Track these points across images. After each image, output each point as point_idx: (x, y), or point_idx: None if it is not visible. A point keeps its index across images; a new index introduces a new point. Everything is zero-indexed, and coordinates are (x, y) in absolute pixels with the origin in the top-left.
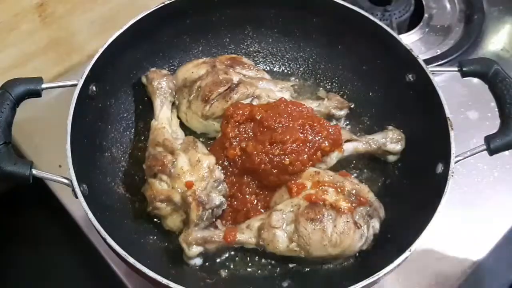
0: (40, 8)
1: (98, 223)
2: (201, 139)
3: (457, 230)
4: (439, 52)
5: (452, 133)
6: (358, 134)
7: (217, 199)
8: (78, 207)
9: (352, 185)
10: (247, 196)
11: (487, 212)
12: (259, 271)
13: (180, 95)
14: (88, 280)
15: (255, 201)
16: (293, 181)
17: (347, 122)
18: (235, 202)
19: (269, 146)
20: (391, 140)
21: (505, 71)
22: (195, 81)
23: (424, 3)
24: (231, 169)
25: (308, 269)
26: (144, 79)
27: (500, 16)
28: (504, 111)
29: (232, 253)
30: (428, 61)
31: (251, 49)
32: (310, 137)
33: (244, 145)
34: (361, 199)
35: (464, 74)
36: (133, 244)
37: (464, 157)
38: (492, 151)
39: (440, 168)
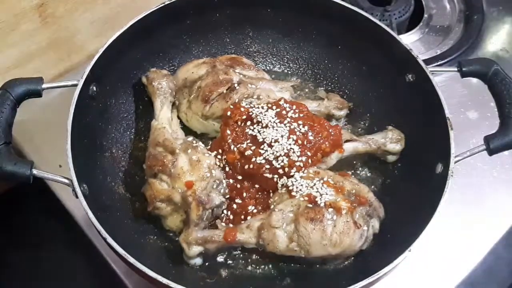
0: (41, 9)
1: (99, 223)
2: (201, 139)
3: (457, 230)
4: (438, 52)
5: (451, 133)
6: (358, 134)
7: (217, 199)
8: (79, 207)
9: (352, 185)
10: (247, 200)
11: (487, 212)
12: (259, 271)
13: (180, 95)
14: (88, 279)
15: (255, 204)
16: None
17: (347, 122)
18: (234, 206)
19: (268, 148)
20: (390, 140)
21: (505, 71)
22: (195, 81)
23: (424, 3)
24: (230, 172)
25: (308, 268)
26: (144, 79)
27: (499, 17)
28: (504, 111)
29: (232, 252)
30: (427, 61)
31: (251, 49)
32: (311, 138)
33: (242, 149)
34: (361, 199)
35: (463, 74)
36: (133, 244)
37: (463, 157)
38: (491, 151)
39: (439, 168)
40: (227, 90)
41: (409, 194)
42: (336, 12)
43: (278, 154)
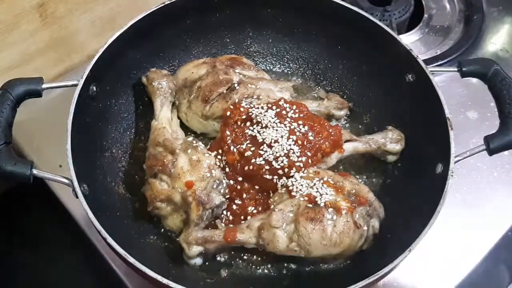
0: (41, 8)
1: (99, 223)
2: (201, 139)
3: (457, 230)
4: (438, 52)
5: (451, 133)
6: (358, 134)
7: (217, 199)
8: (79, 207)
9: (352, 185)
10: (246, 201)
11: (487, 212)
12: (259, 271)
13: (180, 95)
14: (88, 280)
15: (255, 205)
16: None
17: (347, 122)
18: (234, 207)
19: (268, 149)
20: (390, 140)
21: (505, 71)
22: (195, 81)
23: (424, 3)
24: (230, 173)
25: (308, 268)
26: (144, 79)
27: (499, 17)
28: (504, 111)
29: (232, 252)
30: (427, 61)
31: (251, 49)
32: (311, 138)
33: (242, 150)
34: (361, 199)
35: (463, 74)
36: (133, 244)
37: (463, 157)
38: (491, 151)
39: (439, 168)
40: (227, 90)
41: (409, 194)
42: (336, 12)
43: (278, 155)
